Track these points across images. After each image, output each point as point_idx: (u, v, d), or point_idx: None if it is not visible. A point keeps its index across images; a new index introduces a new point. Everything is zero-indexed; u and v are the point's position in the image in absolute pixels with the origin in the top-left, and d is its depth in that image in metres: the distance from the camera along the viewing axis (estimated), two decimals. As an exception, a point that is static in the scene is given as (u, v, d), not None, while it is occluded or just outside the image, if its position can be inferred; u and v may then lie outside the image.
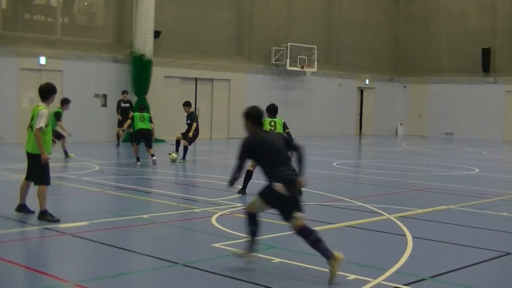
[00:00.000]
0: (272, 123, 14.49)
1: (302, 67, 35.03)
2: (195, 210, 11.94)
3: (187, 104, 21.75)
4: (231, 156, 23.71)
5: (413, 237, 9.94)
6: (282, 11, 35.72)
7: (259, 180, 10.50)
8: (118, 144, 26.22)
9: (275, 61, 34.66)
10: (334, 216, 12.00)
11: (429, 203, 13.42)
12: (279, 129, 14.42)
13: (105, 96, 28.34)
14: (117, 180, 15.96)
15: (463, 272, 8.12)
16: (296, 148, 8.21)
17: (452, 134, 40.13)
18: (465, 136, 38.90)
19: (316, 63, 35.80)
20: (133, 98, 28.52)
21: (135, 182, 16.06)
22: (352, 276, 7.62)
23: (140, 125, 19.76)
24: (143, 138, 19.77)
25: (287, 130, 14.52)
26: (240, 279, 7.52)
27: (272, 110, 14.68)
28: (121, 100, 26.59)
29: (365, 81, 40.44)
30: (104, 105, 28.31)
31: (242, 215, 11.43)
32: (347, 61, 39.50)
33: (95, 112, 28.01)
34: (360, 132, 41.25)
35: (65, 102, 20.55)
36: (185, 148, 21.42)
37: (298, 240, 9.66)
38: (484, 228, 11.04)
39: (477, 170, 20.63)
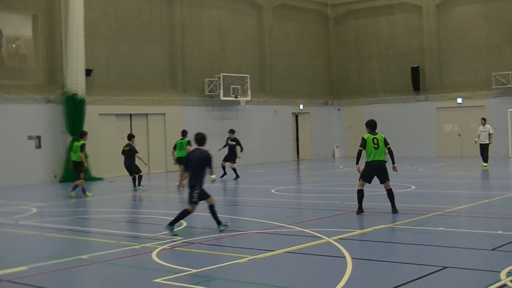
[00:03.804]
0: (375, 140, 14.97)
1: (236, 97, 35.22)
2: (135, 246, 11.86)
3: (232, 131, 26.64)
4: (170, 190, 23.66)
5: (352, 258, 10.06)
6: (214, 42, 35.93)
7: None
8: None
9: (208, 92, 34.76)
10: (274, 243, 12.04)
11: (368, 223, 13.61)
12: (382, 145, 14.97)
13: (39, 137, 27.92)
14: (55, 221, 15.72)
15: (402, 289, 8.27)
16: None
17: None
18: (402, 154, 39.36)
19: (249, 91, 36.04)
20: (69, 138, 28.26)
21: (74, 223, 15.88)
22: (294, 302, 7.67)
23: (178, 153, 22.62)
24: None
25: (388, 146, 15.16)
26: (182, 313, 7.50)
27: (373, 126, 15.28)
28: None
29: (300, 107, 40.85)
30: (39, 146, 27.90)
31: (182, 249, 11.43)
32: (281, 88, 39.90)
33: (30, 154, 27.58)
34: (298, 157, 41.56)
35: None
36: (234, 169, 26.10)
37: (238, 270, 9.73)
38: (422, 244, 11.26)
39: (414, 187, 20.99)
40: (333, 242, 11.52)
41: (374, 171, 15.11)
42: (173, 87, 33.85)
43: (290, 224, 13.85)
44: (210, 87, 34.73)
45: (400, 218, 14.24)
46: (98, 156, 28.67)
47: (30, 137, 27.63)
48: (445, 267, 9.36)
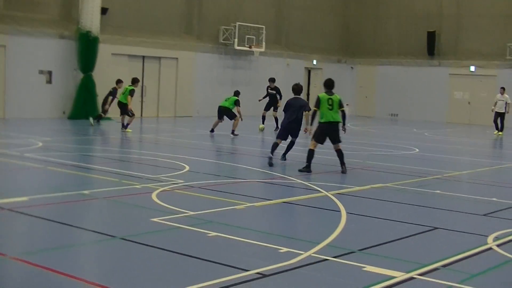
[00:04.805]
0: (330, 101, 14.93)
1: (250, 47, 35.14)
2: (136, 186, 12.06)
3: (273, 80, 26.80)
4: (177, 134, 23.88)
5: (347, 213, 10.24)
6: (232, -10, 35.74)
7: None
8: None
9: (223, 40, 34.71)
10: (273, 192, 12.27)
11: (367, 181, 13.78)
12: (336, 106, 14.98)
13: (50, 72, 28.02)
14: (60, 156, 15.91)
15: (390, 245, 8.45)
16: None
17: (397, 115, 40.81)
18: (410, 117, 39.62)
19: (264, 43, 35.92)
20: (80, 75, 28.35)
21: (78, 159, 16.09)
22: (284, 249, 7.86)
23: (222, 103, 23.85)
24: (223, 114, 23.55)
25: (342, 109, 15.16)
26: (176, 252, 7.69)
27: (330, 85, 15.28)
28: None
29: (313, 62, 40.76)
30: (49, 81, 28.02)
31: (182, 191, 11.64)
32: (296, 42, 39.76)
33: (40, 89, 27.71)
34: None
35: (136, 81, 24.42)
36: (276, 119, 25.93)
37: (234, 215, 9.95)
38: (416, 205, 11.45)
39: (417, 150, 21.12)
40: (330, 196, 11.70)
41: (327, 132, 15.08)
42: (188, 33, 33.78)
43: (291, 176, 14.03)
44: (225, 36, 34.66)
45: (399, 178, 14.39)
46: (107, 95, 28.76)
47: (41, 72, 27.75)
48: (436, 228, 9.54)
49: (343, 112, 15.16)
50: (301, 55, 39.77)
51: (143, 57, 31.72)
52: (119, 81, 24.97)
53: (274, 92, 26.97)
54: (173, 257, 7.55)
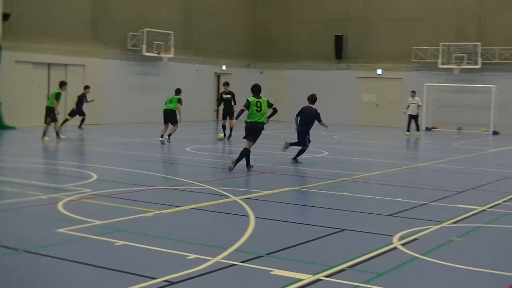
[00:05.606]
0: (259, 104, 16.12)
1: (158, 53, 34.93)
2: (42, 196, 11.78)
3: (227, 84, 25.98)
4: (86, 142, 23.46)
5: (256, 217, 10.28)
6: (139, -4, 35.43)
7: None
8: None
9: (131, 46, 34.37)
10: (182, 199, 12.19)
11: (276, 185, 13.84)
12: (265, 108, 16.13)
13: None
14: (-38, 168, 15.44)
15: (298, 248, 8.52)
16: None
17: (307, 119, 41.24)
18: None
19: (173, 48, 35.78)
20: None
21: (-19, 170, 15.61)
22: (192, 256, 7.82)
23: (166, 106, 23.03)
24: (168, 118, 22.86)
25: (273, 106, 16.65)
26: (83, 263, 7.53)
27: (256, 90, 16.41)
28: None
29: (222, 67, 40.84)
30: None
31: (89, 201, 11.44)
32: (205, 47, 39.72)
33: None
34: (217, 117, 41.58)
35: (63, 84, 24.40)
36: (231, 128, 24.46)
37: (142, 223, 9.83)
38: (324, 207, 11.58)
39: (326, 153, 21.40)
40: (239, 201, 11.72)
41: (251, 130, 16.15)
42: (95, 39, 33.27)
43: (200, 182, 13.97)
44: (133, 42, 34.33)
45: (308, 182, 14.56)
46: (12, 104, 28.02)
47: None
48: (343, 230, 9.68)
49: (274, 109, 16.55)
50: (210, 60, 39.78)
51: (49, 64, 31.02)
52: (86, 87, 26.73)
53: (230, 96, 25.85)
54: (79, 268, 7.39)
